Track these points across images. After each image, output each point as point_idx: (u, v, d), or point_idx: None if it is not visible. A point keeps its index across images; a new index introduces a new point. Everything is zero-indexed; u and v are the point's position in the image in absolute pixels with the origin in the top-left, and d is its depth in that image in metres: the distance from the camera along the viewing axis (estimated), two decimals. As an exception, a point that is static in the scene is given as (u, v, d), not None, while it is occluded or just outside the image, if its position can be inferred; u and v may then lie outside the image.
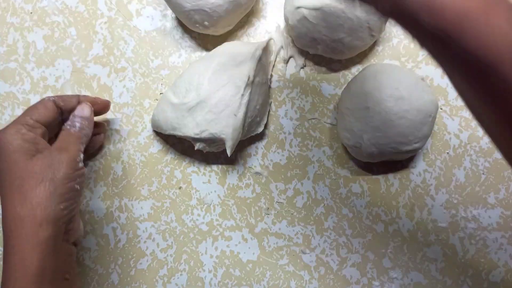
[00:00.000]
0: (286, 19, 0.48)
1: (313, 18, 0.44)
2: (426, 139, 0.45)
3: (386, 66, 0.45)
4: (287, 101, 0.50)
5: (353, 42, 0.46)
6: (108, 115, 0.51)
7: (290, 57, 0.51)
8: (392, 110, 0.43)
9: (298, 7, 0.45)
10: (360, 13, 0.43)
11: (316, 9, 0.44)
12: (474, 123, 0.49)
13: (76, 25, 0.52)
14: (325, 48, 0.47)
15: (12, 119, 0.51)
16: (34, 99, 0.52)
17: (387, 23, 0.49)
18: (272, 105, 0.50)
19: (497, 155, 0.48)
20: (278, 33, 0.51)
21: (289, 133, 0.50)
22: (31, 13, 0.53)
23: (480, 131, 0.48)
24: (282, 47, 0.51)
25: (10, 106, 0.52)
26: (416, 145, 0.44)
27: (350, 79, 0.50)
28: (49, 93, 0.52)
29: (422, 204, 0.48)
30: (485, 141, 0.48)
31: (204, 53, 0.51)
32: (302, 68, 0.50)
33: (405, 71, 0.44)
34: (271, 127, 0.50)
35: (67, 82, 0.52)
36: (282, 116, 0.50)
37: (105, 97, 0.51)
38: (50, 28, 0.52)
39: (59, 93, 0.52)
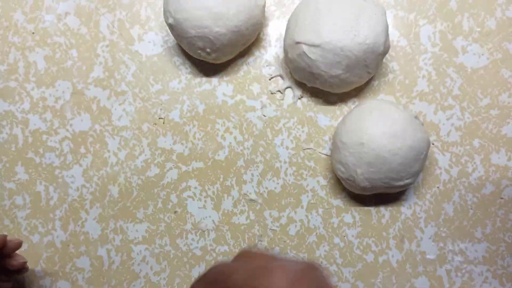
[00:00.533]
0: (286, 52, 0.49)
1: (312, 54, 0.46)
2: (418, 175, 0.46)
3: (381, 103, 0.46)
4: (283, 130, 0.51)
5: (350, 78, 0.47)
6: (106, 138, 0.52)
7: (287, 87, 0.52)
8: (386, 147, 0.44)
9: (298, 42, 0.46)
10: (357, 52, 0.45)
11: (315, 46, 0.45)
12: (464, 159, 0.50)
13: (77, 47, 0.53)
14: (322, 82, 0.48)
15: (11, 138, 0.52)
16: (33, 119, 0.52)
17: (383, 60, 0.50)
18: (269, 133, 0.51)
19: (485, 191, 0.50)
20: (277, 63, 0.52)
21: (285, 162, 0.51)
22: (33, 33, 0.53)
23: (469, 167, 0.50)
24: (280, 77, 0.52)
25: (9, 125, 0.52)
26: (408, 181, 0.46)
27: (346, 112, 0.51)
28: (48, 114, 0.52)
29: (411, 236, 0.50)
30: (474, 177, 0.50)
31: (205, 79, 0.52)
32: (299, 99, 0.52)
33: (399, 109, 0.45)
34: (267, 155, 0.51)
35: (66, 103, 0.52)
36: (278, 145, 0.51)
37: (104, 119, 0.52)
38: (51, 49, 0.53)
39: (58, 114, 0.52)
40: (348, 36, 0.45)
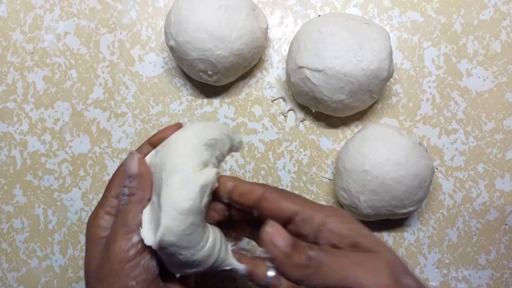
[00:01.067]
0: (288, 75, 0.48)
1: (315, 79, 0.45)
2: (421, 202, 0.46)
3: (384, 129, 0.46)
4: (285, 153, 0.51)
5: (354, 103, 0.46)
6: (106, 161, 0.51)
7: (290, 110, 0.51)
8: (390, 174, 0.43)
9: (301, 67, 0.46)
10: (361, 77, 0.44)
11: (318, 71, 0.45)
12: (468, 184, 0.49)
13: (77, 68, 0.52)
14: (325, 107, 0.47)
15: (9, 160, 0.51)
16: (32, 141, 0.51)
17: (387, 84, 0.49)
18: (271, 157, 0.51)
19: (489, 217, 0.49)
20: (279, 85, 0.52)
21: (287, 186, 0.50)
22: (32, 53, 0.53)
23: (473, 193, 0.49)
24: (283, 99, 0.51)
25: (7, 147, 0.51)
26: (411, 208, 0.45)
27: (349, 136, 0.51)
28: (47, 136, 0.52)
29: (414, 263, 0.49)
30: (478, 202, 0.49)
31: (206, 101, 0.52)
32: (302, 121, 0.51)
33: (403, 135, 0.45)
34: (269, 179, 0.50)
35: (66, 124, 0.52)
36: (280, 168, 0.51)
37: (104, 142, 0.51)
38: (50, 69, 0.52)
39: (57, 136, 0.52)
40: (351, 61, 0.44)
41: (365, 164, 0.44)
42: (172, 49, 0.48)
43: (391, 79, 0.50)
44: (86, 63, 0.52)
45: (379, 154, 0.44)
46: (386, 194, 0.44)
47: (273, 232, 0.29)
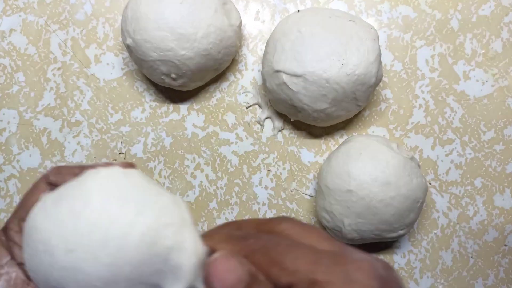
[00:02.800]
0: (264, 80, 0.43)
1: (294, 85, 0.39)
2: (413, 225, 0.41)
3: (372, 141, 0.40)
4: (262, 167, 0.45)
5: (337, 112, 0.41)
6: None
7: (266, 118, 0.46)
8: (377, 196, 0.38)
9: (277, 71, 0.40)
10: (345, 84, 0.39)
11: (297, 76, 0.39)
12: (464, 201, 0.45)
13: (25, 70, 0.46)
14: (305, 116, 0.42)
15: None
16: (-27, 154, 0.45)
17: (375, 90, 0.44)
18: (246, 171, 0.45)
19: (487, 237, 0.44)
20: (255, 90, 0.46)
21: (263, 204, 0.45)
22: (-28, 53, 0.46)
23: (470, 211, 0.44)
24: (259, 105, 0.46)
25: None
26: (401, 232, 0.40)
27: (332, 147, 0.45)
28: (-9, 148, 0.45)
29: (405, 288, 0.44)
30: (475, 221, 0.44)
31: (172, 108, 0.46)
32: (280, 131, 0.45)
33: (392, 149, 0.39)
34: (244, 196, 0.45)
35: (12, 135, 0.45)
36: (256, 184, 0.45)
37: (56, 155, 0.45)
38: (-6, 71, 0.46)
39: (3, 148, 0.45)
40: (334, 66, 0.38)
41: (349, 184, 0.39)
42: (129, 48, 0.41)
43: (380, 83, 0.45)
44: (35, 65, 0.46)
45: (365, 172, 0.38)
46: (373, 217, 0.39)
47: (221, 263, 0.19)
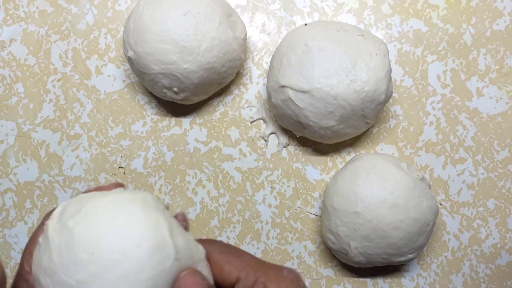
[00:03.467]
0: (269, 95, 0.41)
1: (300, 101, 0.38)
2: (422, 248, 0.39)
3: (380, 161, 0.39)
4: (265, 184, 0.44)
5: (345, 130, 0.39)
6: (56, 191, 0.44)
7: (271, 133, 0.44)
8: (385, 219, 0.36)
9: (283, 86, 0.39)
10: (354, 101, 0.37)
11: (303, 92, 0.38)
12: (476, 223, 0.43)
13: (24, 81, 0.45)
14: (312, 133, 0.40)
15: None
16: (-30, 167, 0.44)
17: (384, 107, 0.42)
18: (249, 188, 0.44)
19: (500, 261, 0.42)
20: (260, 104, 0.44)
21: (267, 223, 0.43)
22: (-29, 63, 0.45)
23: (482, 233, 0.43)
24: (263, 120, 0.44)
25: None
26: (410, 256, 0.38)
27: (339, 164, 0.43)
28: (-12, 161, 0.44)
29: (413, 313, 0.42)
30: (488, 244, 0.42)
31: (174, 121, 0.44)
32: (285, 147, 0.44)
33: (402, 170, 0.38)
34: (246, 214, 0.43)
35: (10, 148, 0.44)
36: (259, 202, 0.43)
37: (54, 168, 0.44)
38: (-7, 82, 0.45)
39: (0, 161, 0.44)
40: (343, 82, 0.37)
41: (356, 205, 0.37)
42: (130, 61, 0.40)
43: (390, 100, 0.43)
44: (35, 76, 0.45)
45: (373, 193, 0.37)
46: (380, 241, 0.37)
47: (189, 278, 0.23)
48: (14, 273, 0.42)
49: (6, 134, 0.44)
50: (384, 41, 0.44)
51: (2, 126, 0.45)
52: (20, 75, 0.45)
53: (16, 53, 0.45)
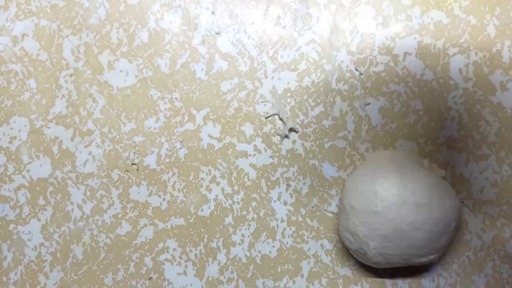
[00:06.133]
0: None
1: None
2: (444, 249, 0.37)
3: (400, 159, 0.37)
4: (281, 181, 0.43)
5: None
6: (69, 188, 0.43)
7: (289, 130, 0.43)
8: (407, 218, 0.35)
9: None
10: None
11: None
12: (500, 222, 0.41)
13: (36, 76, 0.44)
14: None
15: (-45, 187, 0.43)
16: (-17, 163, 0.44)
17: (403, 99, 0.41)
18: (264, 185, 0.43)
19: (525, 262, 0.41)
20: (275, 99, 0.43)
21: (282, 220, 0.42)
22: (-16, 58, 0.45)
23: (506, 232, 0.41)
24: (278, 116, 0.43)
25: (-45, 170, 0.44)
26: (432, 257, 0.37)
27: (356, 161, 0.42)
28: (1, 157, 0.44)
29: (433, 314, 0.41)
30: (512, 244, 0.41)
31: (187, 117, 0.43)
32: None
33: (423, 168, 0.36)
34: (261, 212, 0.43)
35: (23, 144, 0.44)
36: (275, 199, 0.43)
37: (67, 165, 0.44)
38: (6, 78, 0.44)
39: (13, 157, 0.44)
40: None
41: (376, 205, 0.36)
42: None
43: (409, 93, 0.42)
44: (47, 71, 0.44)
45: (394, 193, 0.36)
46: (401, 241, 0.36)
47: None
48: (28, 271, 0.42)
49: (19, 131, 0.44)
50: (404, 33, 0.42)
51: (15, 122, 0.44)
52: (32, 71, 0.44)
53: (28, 48, 0.45)
